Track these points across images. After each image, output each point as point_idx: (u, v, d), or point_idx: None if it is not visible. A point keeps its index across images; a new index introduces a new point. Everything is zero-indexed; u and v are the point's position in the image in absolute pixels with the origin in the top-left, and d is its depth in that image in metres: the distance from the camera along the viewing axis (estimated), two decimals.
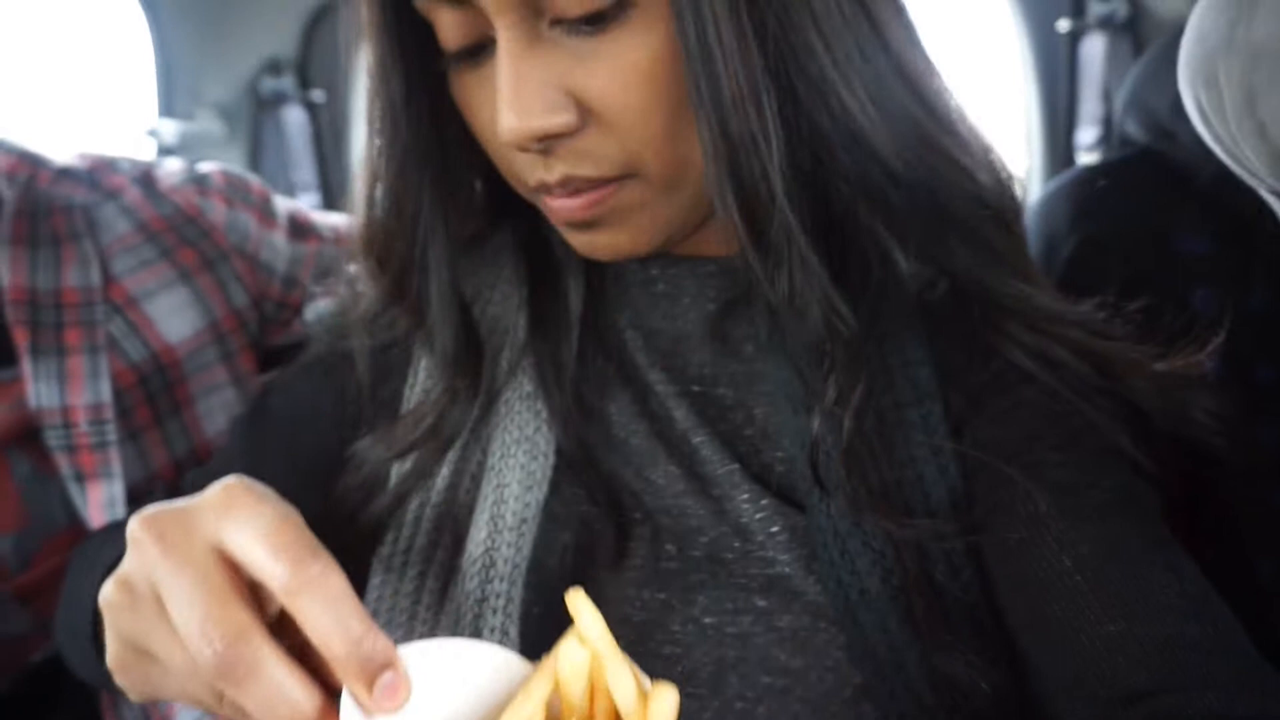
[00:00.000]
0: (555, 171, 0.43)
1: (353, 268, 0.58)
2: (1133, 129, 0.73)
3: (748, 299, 0.49)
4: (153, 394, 0.71)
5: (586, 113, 0.41)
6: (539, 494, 0.48)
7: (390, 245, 0.47)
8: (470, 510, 0.48)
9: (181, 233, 0.73)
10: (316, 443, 0.53)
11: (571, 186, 0.43)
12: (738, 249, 0.50)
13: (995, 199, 0.46)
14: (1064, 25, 1.44)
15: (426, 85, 0.45)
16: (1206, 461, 0.47)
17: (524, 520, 0.47)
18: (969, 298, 0.47)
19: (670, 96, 0.41)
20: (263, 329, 0.77)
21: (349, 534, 0.49)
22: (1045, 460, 0.44)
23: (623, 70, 0.41)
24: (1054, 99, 1.51)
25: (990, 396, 0.47)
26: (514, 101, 0.40)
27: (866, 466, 0.44)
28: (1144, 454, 0.45)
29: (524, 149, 0.42)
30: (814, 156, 0.42)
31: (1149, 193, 0.67)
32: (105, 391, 0.66)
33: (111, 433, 0.66)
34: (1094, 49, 1.42)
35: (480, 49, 0.43)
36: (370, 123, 0.46)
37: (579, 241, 0.47)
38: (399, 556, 0.48)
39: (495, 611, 0.44)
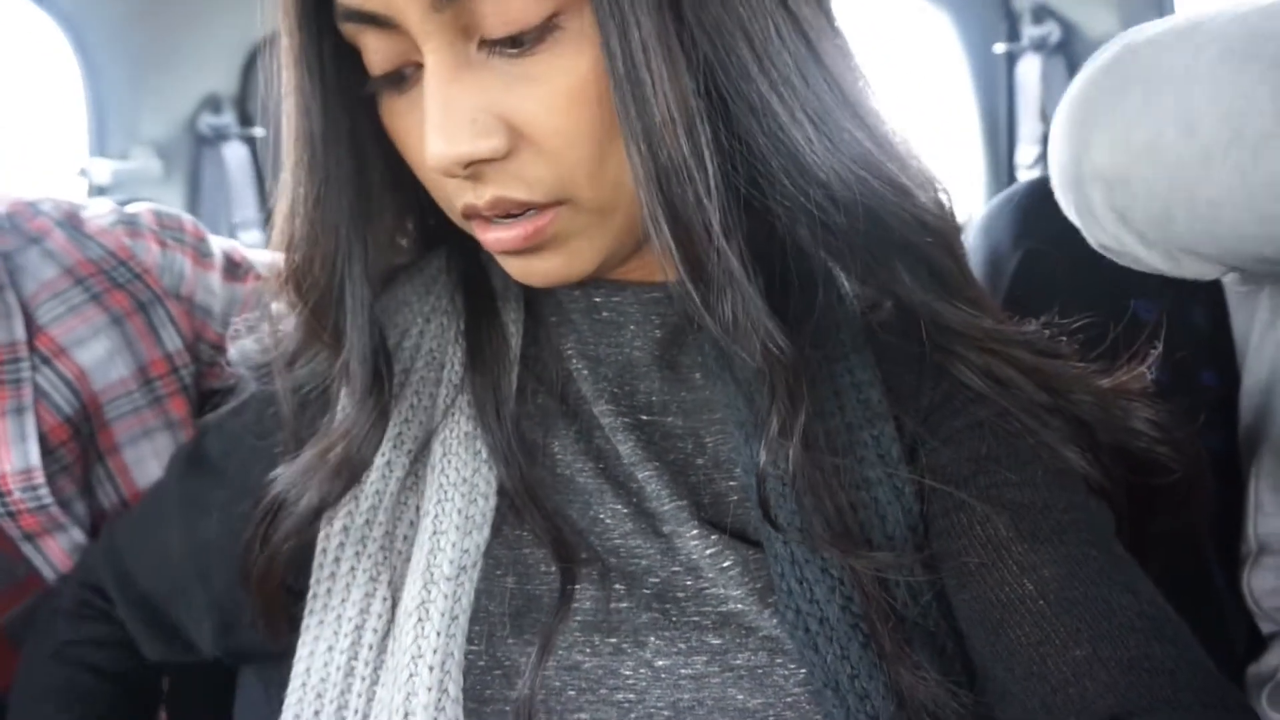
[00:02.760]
0: (484, 195, 0.41)
1: (275, 305, 0.56)
2: None
3: (695, 325, 0.48)
4: (84, 446, 0.68)
5: (517, 137, 0.40)
6: (479, 538, 0.46)
7: (308, 277, 0.46)
8: (408, 560, 0.46)
9: (112, 276, 0.70)
10: (251, 482, 0.51)
11: (501, 209, 0.42)
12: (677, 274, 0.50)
13: (936, 220, 0.46)
14: (1000, 48, 1.48)
15: (347, 113, 0.44)
16: (1153, 471, 0.48)
17: (462, 569, 0.45)
18: (912, 318, 0.47)
19: (600, 121, 0.40)
20: (199, 373, 0.74)
21: (254, 564, 0.48)
22: (1001, 481, 0.44)
23: (551, 94, 0.40)
24: (994, 119, 1.55)
25: (942, 417, 0.46)
26: (441, 127, 0.39)
27: (820, 494, 0.44)
28: (1094, 469, 0.45)
29: (451, 174, 0.41)
30: (751, 181, 0.41)
31: None
32: (34, 455, 0.63)
33: (47, 495, 0.63)
34: (1030, 70, 1.46)
35: (408, 74, 0.42)
36: (287, 152, 0.45)
37: (515, 267, 0.45)
38: (333, 610, 0.46)
39: (432, 669, 0.42)
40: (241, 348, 0.55)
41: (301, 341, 0.50)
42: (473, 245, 0.49)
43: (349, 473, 0.47)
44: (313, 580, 0.47)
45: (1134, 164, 0.40)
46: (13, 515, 0.63)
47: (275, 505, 0.47)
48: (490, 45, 0.39)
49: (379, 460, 0.48)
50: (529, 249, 0.43)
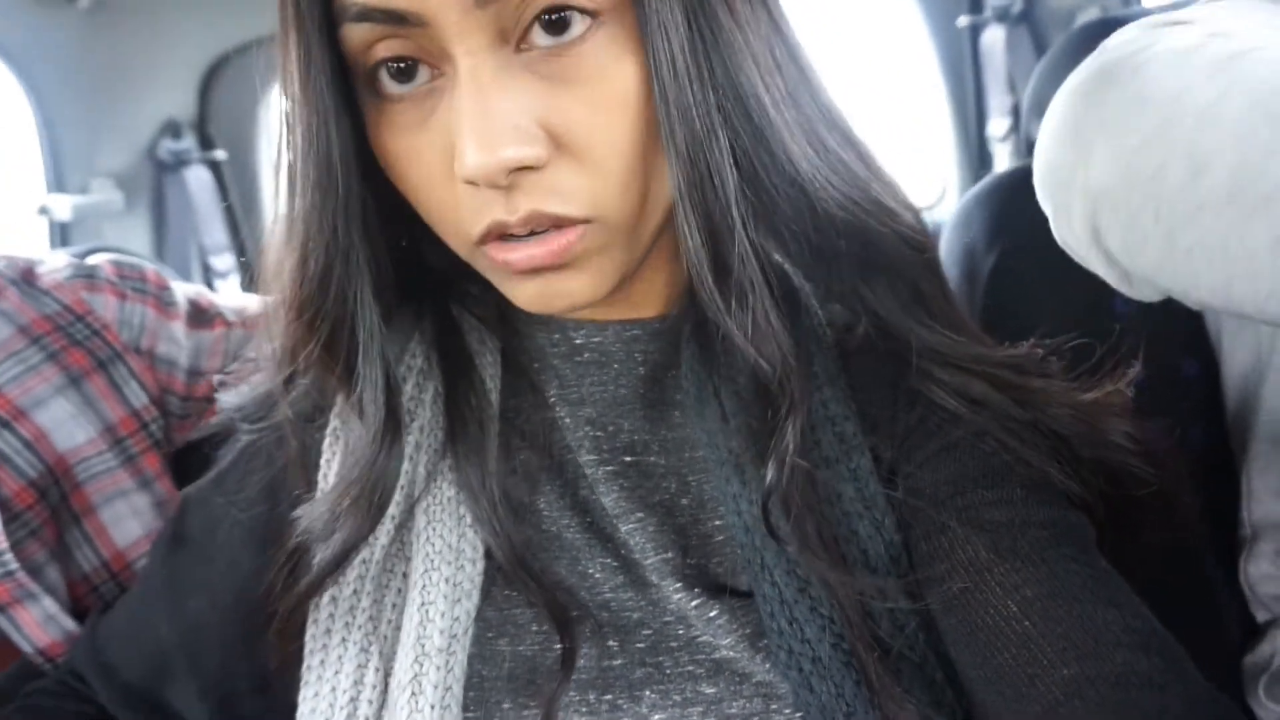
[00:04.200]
0: (520, 209, 0.39)
1: (267, 348, 0.55)
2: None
3: (675, 362, 0.48)
4: (54, 508, 0.66)
5: (555, 145, 0.39)
6: (469, 605, 0.45)
7: (321, 308, 0.44)
8: (398, 630, 0.46)
9: (69, 333, 0.68)
10: (236, 555, 0.51)
11: (534, 224, 0.40)
12: (661, 310, 0.49)
13: (918, 241, 0.46)
14: (963, 20, 1.47)
15: (355, 132, 0.42)
16: (1134, 484, 0.47)
17: (453, 637, 0.44)
18: (890, 341, 0.46)
19: (639, 129, 0.40)
20: (168, 426, 0.73)
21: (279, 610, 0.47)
22: (979, 501, 0.43)
23: (594, 97, 0.39)
24: (962, 93, 1.54)
25: (917, 442, 0.46)
26: (483, 132, 0.37)
27: (811, 515, 0.43)
28: (1073, 483, 0.45)
29: (493, 184, 0.38)
30: (759, 200, 0.42)
31: None
32: None
33: (12, 561, 0.61)
34: (995, 41, 1.45)
35: (421, 85, 0.40)
36: (296, 179, 0.42)
37: (533, 291, 0.43)
38: (328, 682, 0.46)
39: None
40: (237, 393, 0.53)
41: (306, 381, 0.48)
42: (442, 300, 0.48)
43: (374, 508, 0.46)
44: (306, 652, 0.47)
45: (1128, 190, 0.38)
46: None
47: (300, 548, 0.46)
48: (530, 46, 0.38)
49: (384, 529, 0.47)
50: (555, 267, 0.41)
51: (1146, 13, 0.70)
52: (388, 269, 0.45)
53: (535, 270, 0.41)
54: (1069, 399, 0.45)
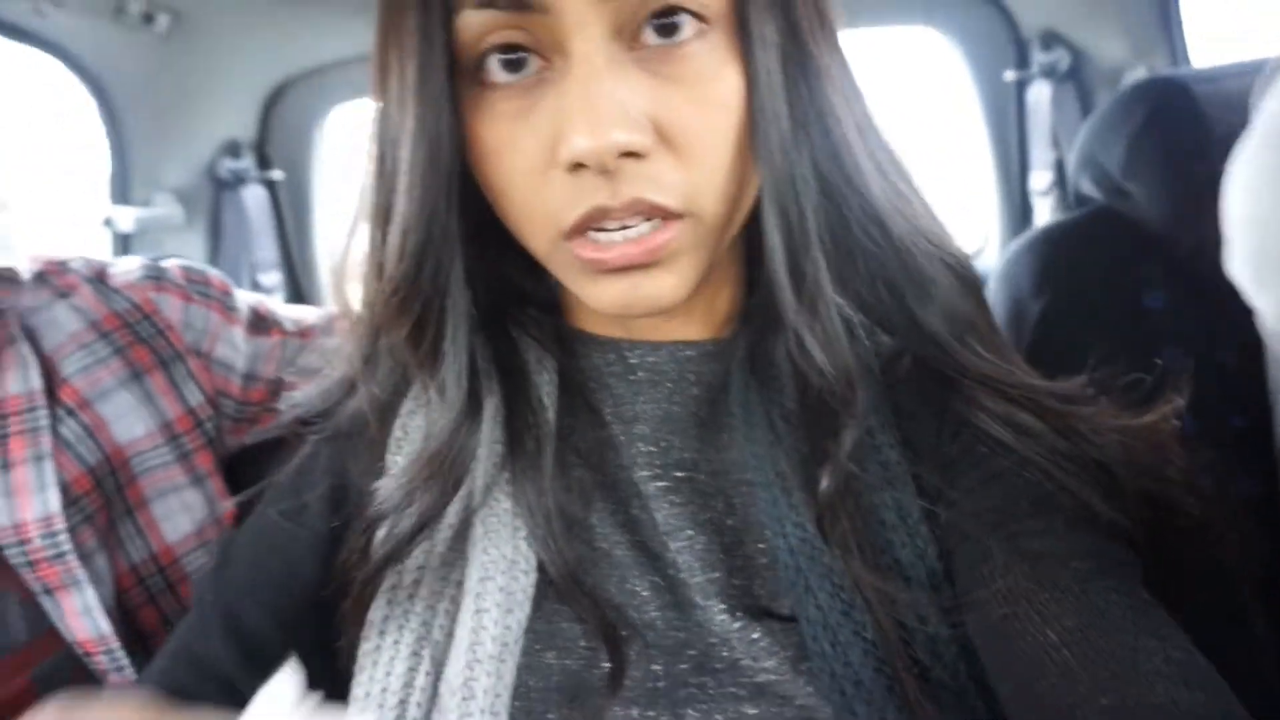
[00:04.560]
0: (622, 195, 0.41)
1: (333, 354, 0.57)
2: (1088, 187, 0.75)
3: (726, 384, 0.49)
4: (109, 498, 0.68)
5: (660, 138, 0.41)
6: (521, 615, 0.46)
7: (416, 288, 0.45)
8: (450, 635, 0.46)
9: (135, 330, 0.71)
10: (296, 573, 0.51)
11: (636, 211, 0.41)
12: (714, 334, 0.50)
13: (964, 270, 0.48)
14: (1009, 75, 1.48)
15: (458, 124, 0.43)
16: (1181, 515, 0.47)
17: (505, 645, 0.45)
18: (937, 368, 0.47)
19: (737, 130, 0.42)
20: (221, 427, 0.75)
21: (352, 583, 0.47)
22: (1022, 531, 0.44)
23: (700, 96, 0.41)
24: (1005, 147, 1.54)
25: (961, 470, 0.46)
26: (594, 114, 0.39)
27: (860, 527, 0.44)
28: (1118, 514, 0.45)
29: (600, 166, 0.40)
30: (834, 213, 0.44)
31: (1110, 250, 0.68)
32: (54, 501, 0.64)
33: (66, 542, 0.63)
34: (1040, 97, 1.46)
35: (529, 73, 0.42)
36: (400, 165, 0.43)
37: (615, 291, 0.44)
38: (378, 682, 0.46)
39: None
40: (302, 393, 0.54)
41: (373, 355, 0.49)
42: (502, 321, 0.49)
43: (450, 484, 0.47)
44: (360, 652, 0.47)
45: None
46: (31, 565, 0.63)
47: (374, 520, 0.47)
48: (641, 45, 0.41)
49: (422, 535, 0.47)
50: (644, 265, 0.43)
51: (1194, 72, 0.71)
52: (478, 259, 0.47)
53: (625, 268, 0.43)
54: (1117, 425, 0.46)
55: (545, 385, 0.51)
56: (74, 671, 0.66)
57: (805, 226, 0.43)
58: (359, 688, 0.47)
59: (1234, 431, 0.62)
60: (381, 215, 0.46)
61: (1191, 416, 0.48)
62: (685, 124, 0.41)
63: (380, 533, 0.47)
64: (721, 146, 0.42)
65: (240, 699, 0.50)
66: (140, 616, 0.69)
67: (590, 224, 0.42)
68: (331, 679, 0.48)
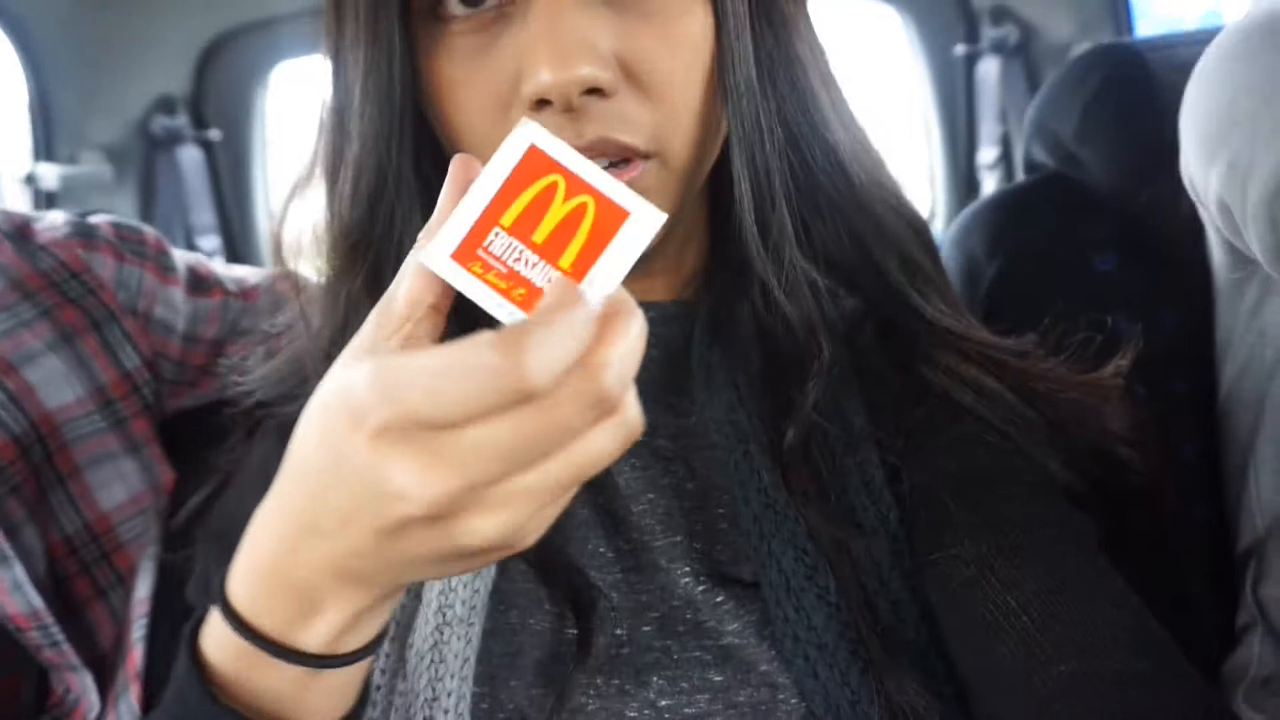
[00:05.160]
0: (587, 134, 0.40)
1: (281, 318, 0.55)
2: (1039, 154, 0.75)
3: (687, 348, 0.49)
4: (37, 466, 0.65)
5: (626, 76, 0.40)
6: (488, 578, 0.45)
7: (367, 235, 0.44)
8: (417, 597, 0.45)
9: (63, 290, 0.67)
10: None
11: (601, 152, 0.40)
12: (674, 295, 0.50)
13: (919, 222, 0.49)
14: (959, 50, 1.50)
15: (411, 57, 0.42)
16: (1122, 475, 0.48)
17: (473, 609, 0.44)
18: (900, 328, 0.47)
19: (704, 71, 0.42)
20: (160, 391, 0.72)
21: None
22: (985, 497, 0.44)
23: (667, 33, 0.41)
24: (954, 121, 1.56)
25: (924, 436, 0.46)
26: (561, 47, 0.38)
27: (824, 480, 0.45)
28: (1076, 478, 0.46)
29: (565, 102, 0.39)
30: (799, 160, 0.45)
31: (1061, 215, 0.69)
32: None
33: None
34: (989, 72, 1.48)
35: (493, 8, 0.41)
36: (350, 110, 0.43)
37: None
38: None
39: (447, 712, 0.42)
40: (261, 375, 0.53)
41: (339, 325, 0.47)
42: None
43: None
44: None
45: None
46: None
47: None
48: None
49: None
50: None
51: (1146, 40, 0.72)
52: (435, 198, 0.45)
53: None
54: (1069, 381, 0.47)
55: None
56: (6, 648, 0.63)
57: (771, 175, 0.43)
58: None
59: (1175, 395, 0.64)
60: (334, 162, 0.45)
61: (1135, 381, 0.49)
62: (653, 62, 0.41)
63: None
64: (689, 86, 0.42)
65: None
66: (74, 586, 0.66)
67: None
68: None
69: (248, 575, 0.33)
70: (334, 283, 0.47)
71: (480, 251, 0.31)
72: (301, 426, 0.30)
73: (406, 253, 0.43)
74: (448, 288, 0.31)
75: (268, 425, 0.53)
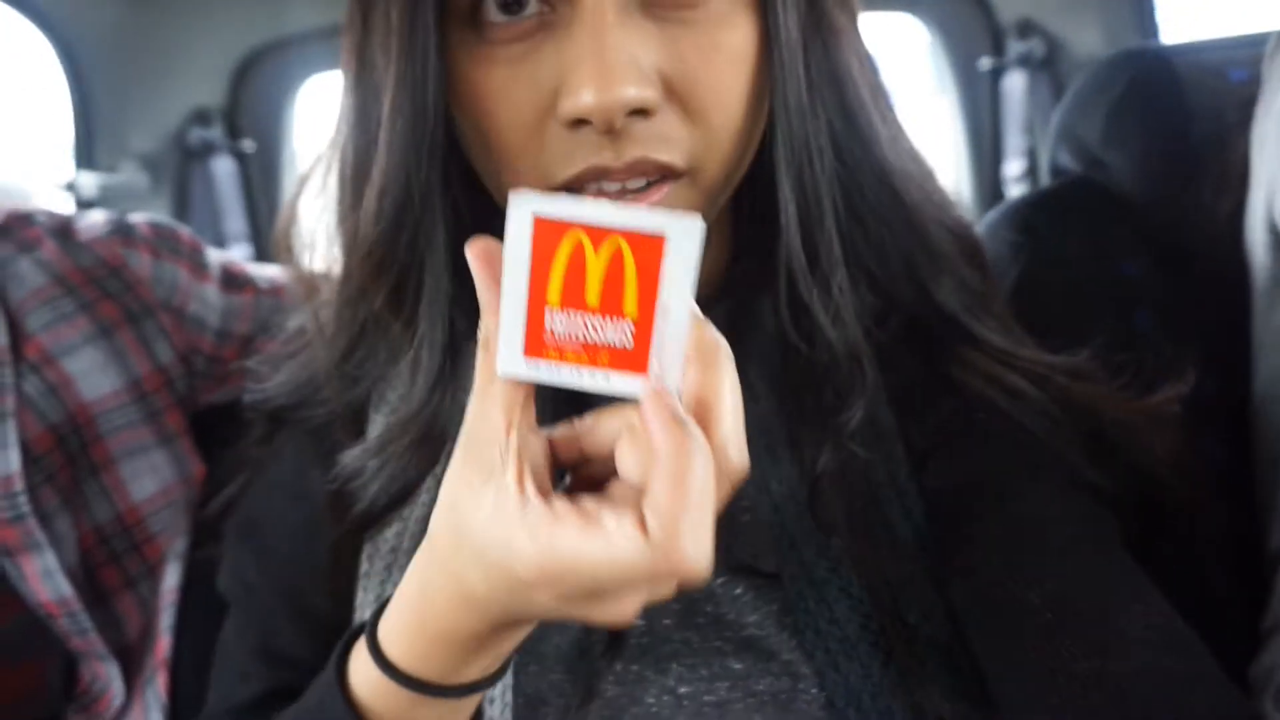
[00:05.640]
0: (626, 154, 0.39)
1: (297, 319, 0.55)
2: (1065, 159, 0.75)
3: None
4: (72, 456, 0.67)
5: (668, 91, 0.39)
6: None
7: (393, 250, 0.43)
8: None
9: (103, 285, 0.69)
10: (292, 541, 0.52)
11: (639, 172, 0.40)
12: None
13: (969, 236, 0.48)
14: (985, 63, 1.50)
15: (445, 69, 0.40)
16: (1162, 490, 0.48)
17: None
18: (924, 332, 0.47)
19: (750, 88, 0.40)
20: (193, 385, 0.73)
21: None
22: (1009, 493, 0.44)
23: (713, 49, 0.39)
24: (979, 134, 1.56)
25: (950, 432, 0.46)
26: (603, 68, 0.36)
27: (852, 500, 0.44)
28: (1104, 479, 0.45)
29: (608, 124, 0.37)
30: (849, 179, 0.43)
31: (1086, 219, 0.69)
32: (14, 461, 0.62)
33: (25, 504, 0.61)
34: (1015, 85, 1.48)
35: (532, 22, 0.39)
36: (381, 118, 0.41)
37: None
38: (368, 607, 0.46)
39: (493, 701, 0.43)
40: (278, 384, 0.53)
41: (354, 340, 0.48)
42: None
43: (434, 446, 0.45)
44: (358, 601, 0.47)
45: None
46: None
47: (344, 491, 0.47)
48: None
49: (426, 485, 0.47)
50: None
51: (1173, 46, 0.72)
52: (464, 220, 0.44)
53: None
54: (1124, 404, 0.46)
55: None
56: (36, 633, 0.64)
57: (820, 196, 0.42)
58: (364, 594, 0.47)
59: (1204, 396, 0.63)
60: (358, 175, 0.43)
61: (1163, 381, 0.48)
62: (696, 78, 0.39)
63: (359, 505, 0.47)
64: (732, 104, 0.40)
65: None
66: (103, 576, 0.68)
67: (585, 182, 0.40)
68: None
69: (407, 634, 0.36)
70: (354, 299, 0.46)
71: (546, 339, 0.30)
72: (441, 553, 0.33)
73: (428, 271, 0.43)
74: (529, 385, 0.31)
75: (294, 429, 0.54)
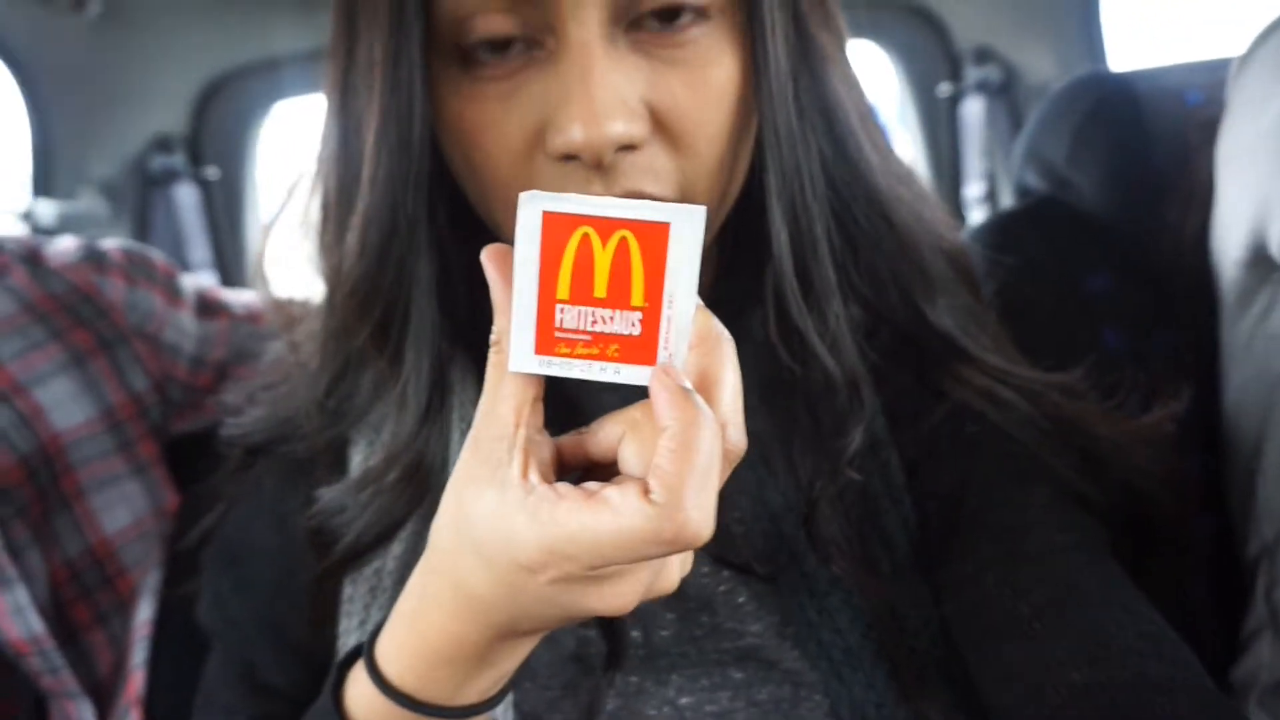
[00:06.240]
0: (615, 187, 0.39)
1: (274, 349, 0.54)
2: (1031, 179, 0.77)
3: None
4: (43, 489, 0.65)
5: (655, 125, 0.39)
6: None
7: (378, 287, 0.42)
8: None
9: (75, 312, 0.68)
10: (271, 571, 0.50)
11: None
12: None
13: (961, 257, 0.48)
14: (944, 89, 1.54)
15: (430, 97, 0.40)
16: (1147, 504, 0.49)
17: None
18: (922, 346, 0.47)
19: (737, 118, 0.41)
20: (167, 414, 0.72)
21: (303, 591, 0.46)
22: (999, 502, 0.44)
23: (700, 82, 0.39)
24: (939, 158, 1.60)
25: (941, 440, 0.47)
26: (591, 105, 0.36)
27: (849, 520, 0.44)
28: (1091, 488, 0.46)
29: (597, 159, 0.38)
30: (840, 206, 0.43)
31: (1054, 237, 0.71)
32: None
33: None
34: (973, 110, 1.52)
35: (519, 56, 0.39)
36: (365, 152, 0.40)
37: None
38: (352, 635, 0.45)
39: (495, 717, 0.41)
40: (255, 420, 0.52)
41: (336, 376, 0.47)
42: (474, 293, 0.48)
43: (418, 485, 0.44)
44: (340, 630, 0.46)
45: None
46: None
47: (324, 528, 0.46)
48: (639, 27, 0.39)
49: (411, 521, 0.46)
50: None
51: (1132, 71, 0.75)
52: (449, 255, 0.44)
53: None
54: (1118, 425, 0.46)
55: None
56: (3, 673, 0.62)
57: (813, 223, 0.42)
58: (343, 623, 0.46)
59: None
60: (342, 209, 0.42)
61: (1137, 399, 0.50)
62: (682, 112, 0.39)
63: (342, 542, 0.46)
64: (718, 136, 0.40)
65: None
66: (73, 612, 0.65)
67: None
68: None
69: (406, 652, 0.35)
70: (337, 334, 0.46)
71: (558, 334, 0.31)
72: (441, 557, 0.33)
73: (414, 306, 0.42)
74: (540, 379, 0.32)
75: (272, 459, 0.53)
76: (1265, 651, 0.56)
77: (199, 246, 1.51)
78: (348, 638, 0.46)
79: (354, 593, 0.47)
